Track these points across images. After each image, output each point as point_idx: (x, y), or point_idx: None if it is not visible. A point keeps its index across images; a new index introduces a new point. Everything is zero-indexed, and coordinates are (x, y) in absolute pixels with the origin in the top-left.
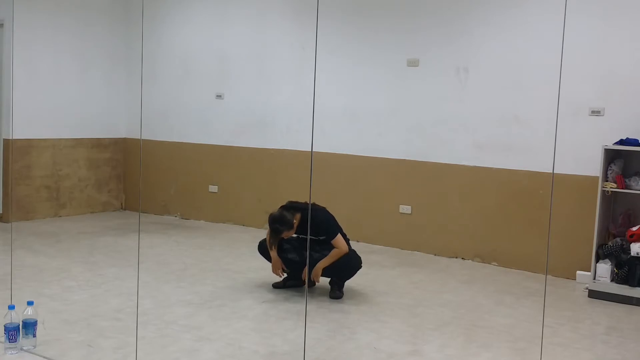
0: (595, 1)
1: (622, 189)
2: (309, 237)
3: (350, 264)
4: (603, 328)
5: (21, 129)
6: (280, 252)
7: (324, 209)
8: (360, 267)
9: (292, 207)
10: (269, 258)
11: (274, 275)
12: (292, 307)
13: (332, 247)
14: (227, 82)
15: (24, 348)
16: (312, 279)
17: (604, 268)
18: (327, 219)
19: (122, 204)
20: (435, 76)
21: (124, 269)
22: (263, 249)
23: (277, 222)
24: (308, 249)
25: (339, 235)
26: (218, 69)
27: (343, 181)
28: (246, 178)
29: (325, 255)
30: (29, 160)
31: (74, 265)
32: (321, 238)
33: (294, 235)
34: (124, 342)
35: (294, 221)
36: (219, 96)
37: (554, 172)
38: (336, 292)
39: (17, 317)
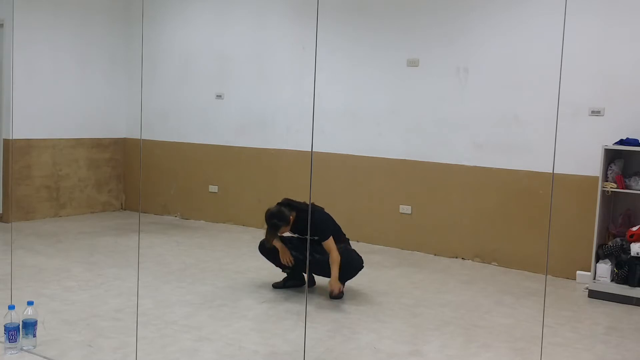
0: (595, 1)
1: (622, 189)
2: (309, 237)
3: (352, 265)
4: (603, 328)
5: (21, 129)
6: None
7: (321, 210)
8: (362, 267)
9: (289, 204)
10: (270, 258)
11: (274, 275)
12: (292, 307)
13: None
14: (227, 82)
15: (24, 348)
16: (335, 292)
17: (604, 268)
18: (322, 220)
19: (122, 204)
20: (435, 76)
21: (124, 269)
22: (264, 248)
23: (275, 217)
24: (308, 248)
25: (331, 240)
26: (218, 69)
27: (343, 181)
28: (246, 178)
29: (326, 256)
30: (29, 160)
31: (74, 265)
32: (315, 238)
33: (294, 235)
34: (124, 342)
35: (290, 217)
36: (219, 96)
37: (554, 172)
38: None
39: (17, 317)
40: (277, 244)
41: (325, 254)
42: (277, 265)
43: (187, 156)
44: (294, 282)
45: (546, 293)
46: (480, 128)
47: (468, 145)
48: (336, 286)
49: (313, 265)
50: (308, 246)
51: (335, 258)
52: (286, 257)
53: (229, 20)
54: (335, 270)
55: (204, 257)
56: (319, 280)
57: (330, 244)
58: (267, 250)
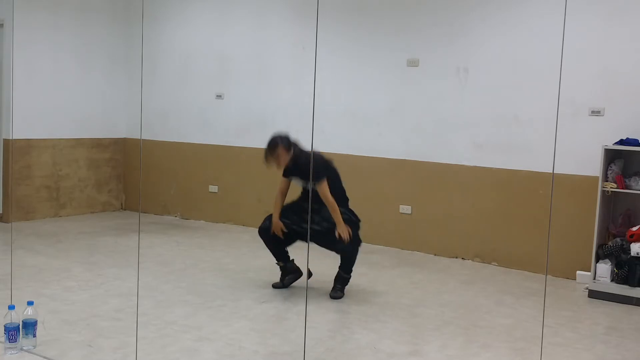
0: (596, 1)
1: (622, 189)
2: (309, 236)
3: (351, 246)
4: (603, 328)
5: (21, 129)
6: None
7: (321, 154)
8: (357, 251)
9: (287, 138)
10: (268, 245)
11: (274, 275)
12: (292, 307)
13: (332, 219)
14: (227, 82)
15: (24, 348)
16: (345, 236)
17: (604, 268)
18: (317, 161)
19: (122, 204)
20: (435, 76)
21: (124, 269)
22: (265, 234)
23: (269, 143)
24: (308, 247)
25: (324, 185)
26: (218, 69)
27: (343, 181)
28: (246, 178)
29: (325, 227)
30: (29, 160)
31: (74, 265)
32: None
33: (293, 202)
34: (124, 342)
35: (281, 148)
36: (219, 96)
37: (554, 172)
38: (337, 292)
39: (17, 317)
40: (274, 218)
41: (324, 223)
42: (272, 253)
43: (187, 156)
44: (292, 276)
45: (546, 293)
46: (480, 128)
47: (468, 145)
48: (345, 230)
49: (313, 236)
50: (308, 243)
51: (332, 205)
52: (277, 230)
53: (229, 20)
54: (337, 217)
55: (204, 257)
56: (317, 274)
57: (323, 189)
58: (267, 236)
